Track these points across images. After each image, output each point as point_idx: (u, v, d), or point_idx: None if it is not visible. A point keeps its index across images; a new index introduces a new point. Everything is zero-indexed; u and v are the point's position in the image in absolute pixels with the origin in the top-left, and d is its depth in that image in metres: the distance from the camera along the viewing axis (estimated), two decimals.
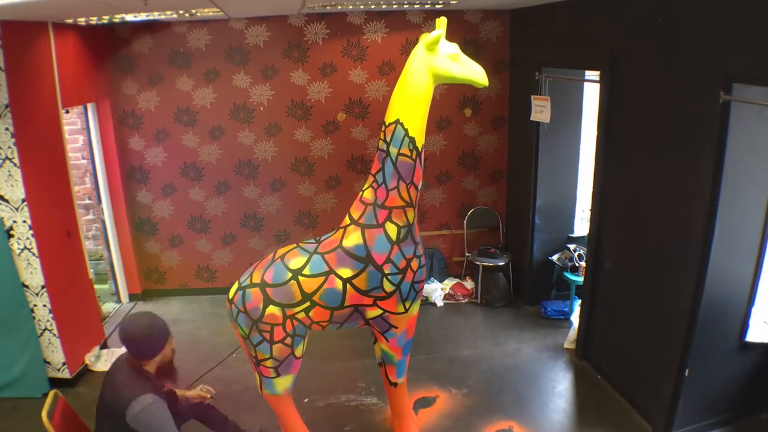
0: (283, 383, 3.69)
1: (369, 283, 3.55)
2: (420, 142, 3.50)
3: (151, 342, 3.01)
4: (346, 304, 3.58)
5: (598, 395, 4.78)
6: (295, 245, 3.68)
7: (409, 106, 3.46)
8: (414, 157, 3.49)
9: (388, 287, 3.57)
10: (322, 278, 3.51)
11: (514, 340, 5.68)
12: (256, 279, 3.53)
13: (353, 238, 3.55)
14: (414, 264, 3.63)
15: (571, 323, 5.67)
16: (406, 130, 3.45)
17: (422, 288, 3.80)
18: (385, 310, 3.66)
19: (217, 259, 6.86)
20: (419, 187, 3.60)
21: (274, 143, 6.46)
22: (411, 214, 3.59)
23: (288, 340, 3.55)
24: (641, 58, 4.16)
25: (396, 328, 3.76)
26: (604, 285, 4.91)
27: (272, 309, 3.47)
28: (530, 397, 4.82)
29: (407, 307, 3.70)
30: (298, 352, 3.64)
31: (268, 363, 3.61)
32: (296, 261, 3.54)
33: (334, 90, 6.35)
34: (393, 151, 3.46)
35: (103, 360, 5.30)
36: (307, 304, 3.51)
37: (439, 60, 3.45)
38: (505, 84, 6.44)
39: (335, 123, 6.45)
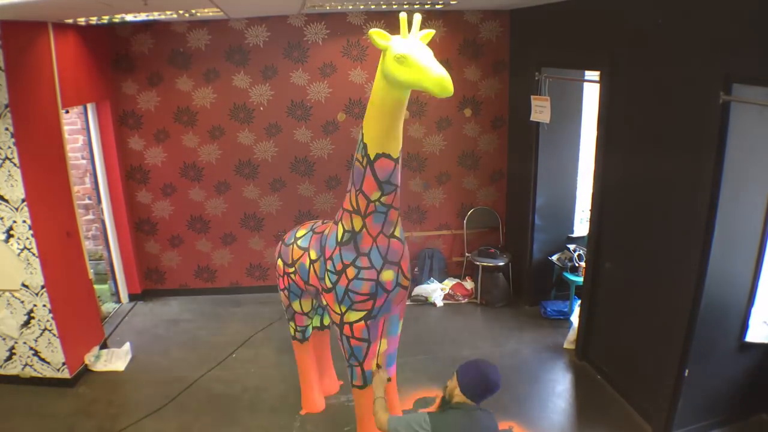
0: (291, 329, 4.46)
1: (320, 271, 3.77)
2: (374, 149, 3.26)
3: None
4: (310, 282, 3.93)
5: (597, 395, 4.78)
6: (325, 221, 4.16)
7: (368, 111, 3.29)
8: (365, 164, 3.31)
9: (327, 282, 3.71)
10: (303, 252, 3.97)
11: (513, 341, 5.68)
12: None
13: (328, 229, 3.81)
14: (350, 272, 3.54)
15: (570, 323, 5.67)
16: (362, 135, 3.31)
17: (361, 301, 3.59)
18: (327, 304, 3.79)
19: (217, 259, 6.86)
20: (372, 197, 3.39)
21: (273, 143, 6.46)
22: (357, 221, 3.47)
23: (285, 293, 4.26)
24: (641, 58, 4.16)
25: (337, 327, 3.77)
26: (604, 285, 4.91)
27: (279, 262, 4.26)
28: (530, 397, 4.83)
29: (341, 311, 3.65)
30: (296, 307, 4.29)
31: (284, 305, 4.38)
32: (303, 231, 4.10)
33: (333, 90, 6.34)
34: (355, 155, 3.43)
35: (103, 360, 5.30)
36: (293, 269, 4.06)
37: (387, 62, 3.01)
38: (504, 84, 6.44)
39: (335, 123, 6.45)
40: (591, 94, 5.62)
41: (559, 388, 4.98)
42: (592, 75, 5.27)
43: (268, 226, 6.78)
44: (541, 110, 5.50)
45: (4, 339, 4.87)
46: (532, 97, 5.57)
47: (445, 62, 6.13)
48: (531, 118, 5.63)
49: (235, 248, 6.84)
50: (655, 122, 4.05)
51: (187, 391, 4.98)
